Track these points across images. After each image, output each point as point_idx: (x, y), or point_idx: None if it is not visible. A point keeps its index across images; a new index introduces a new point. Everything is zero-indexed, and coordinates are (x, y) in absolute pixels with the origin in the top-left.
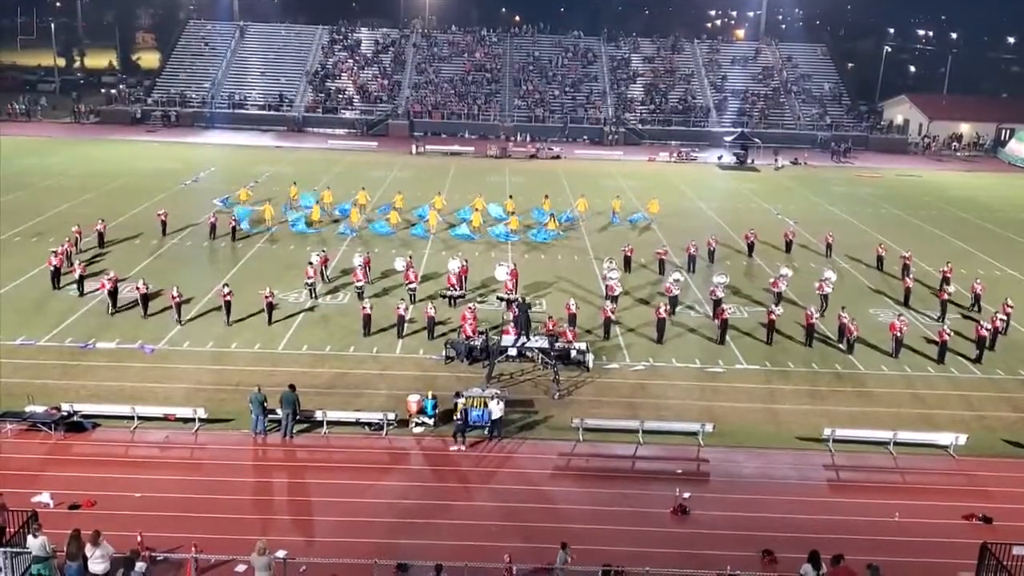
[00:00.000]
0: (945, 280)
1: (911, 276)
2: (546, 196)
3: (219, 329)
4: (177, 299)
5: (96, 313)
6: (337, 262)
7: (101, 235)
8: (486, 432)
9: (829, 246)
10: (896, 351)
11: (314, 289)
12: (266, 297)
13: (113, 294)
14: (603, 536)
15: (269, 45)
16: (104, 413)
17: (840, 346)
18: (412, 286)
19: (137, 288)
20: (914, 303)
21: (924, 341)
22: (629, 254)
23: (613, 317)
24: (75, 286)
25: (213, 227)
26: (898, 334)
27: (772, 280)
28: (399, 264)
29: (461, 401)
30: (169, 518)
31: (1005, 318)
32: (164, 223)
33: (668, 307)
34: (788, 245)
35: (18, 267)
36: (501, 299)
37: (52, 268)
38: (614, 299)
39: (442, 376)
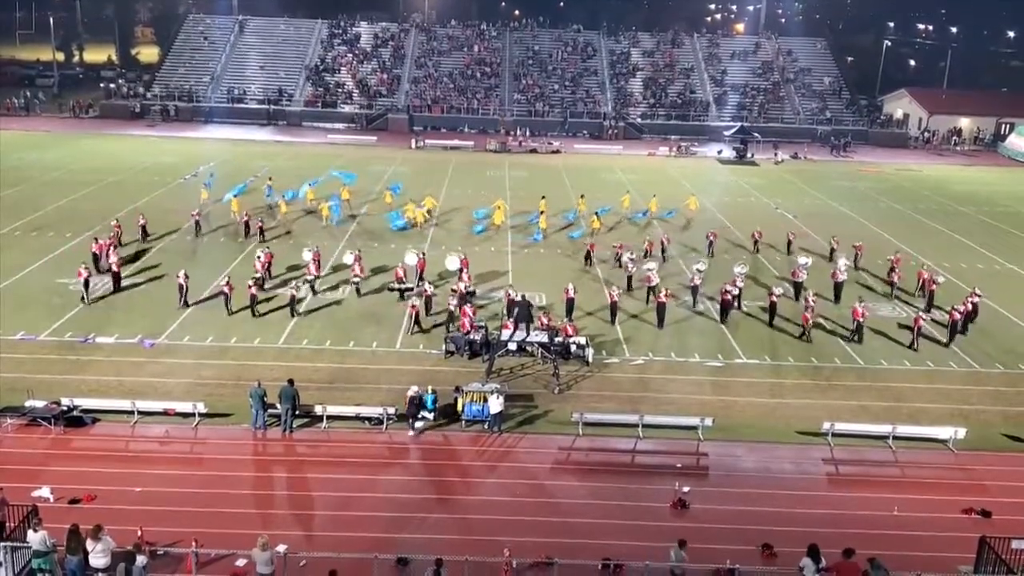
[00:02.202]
0: (892, 269)
1: (897, 273)
2: (582, 196)
3: (219, 324)
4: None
5: (95, 308)
6: (330, 257)
7: (144, 228)
8: (432, 417)
9: (789, 243)
10: (858, 336)
11: (263, 283)
12: (291, 291)
13: (87, 283)
14: (602, 530)
15: (268, 39)
16: (104, 408)
17: (845, 337)
18: (356, 279)
19: (177, 277)
20: (898, 293)
21: (898, 327)
22: (591, 250)
23: (618, 302)
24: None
25: (247, 225)
26: (860, 319)
27: (792, 270)
28: (348, 258)
29: (413, 391)
30: (169, 513)
31: (975, 302)
32: (198, 223)
33: (668, 291)
34: (755, 244)
35: (18, 261)
36: (456, 292)
37: (93, 253)
38: (651, 289)
39: (442, 371)
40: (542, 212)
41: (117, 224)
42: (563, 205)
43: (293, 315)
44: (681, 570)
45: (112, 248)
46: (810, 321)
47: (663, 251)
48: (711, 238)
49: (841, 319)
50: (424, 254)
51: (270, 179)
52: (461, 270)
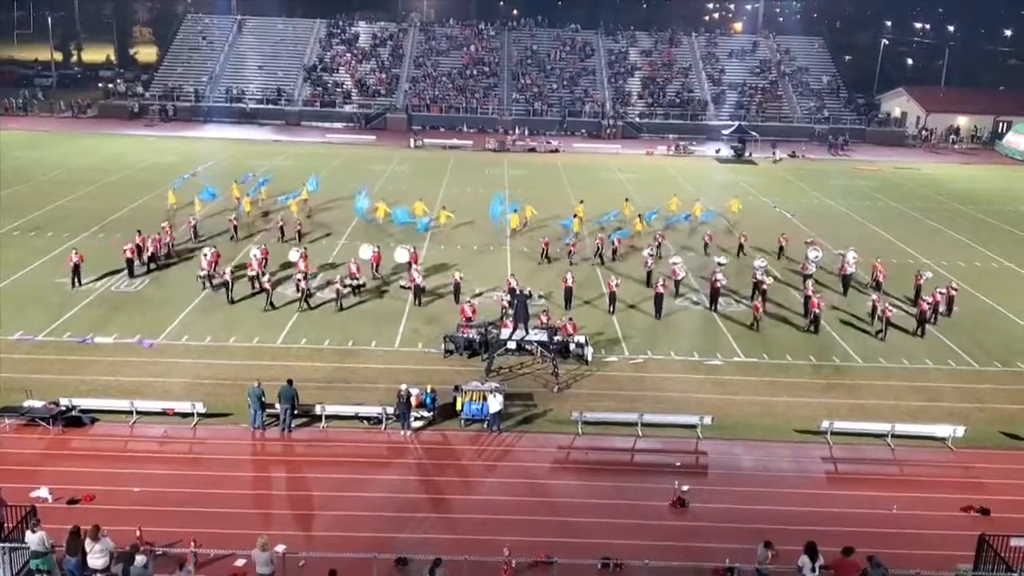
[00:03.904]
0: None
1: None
2: (626, 199)
3: (217, 323)
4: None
5: (94, 307)
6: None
7: (195, 229)
8: (425, 417)
9: (741, 246)
10: (815, 327)
11: (207, 282)
12: (334, 285)
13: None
14: (602, 529)
15: (267, 39)
16: (103, 408)
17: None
18: (300, 275)
19: (222, 274)
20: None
21: (868, 318)
22: (545, 247)
23: (617, 292)
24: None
25: (282, 230)
26: (816, 311)
27: (802, 264)
28: (293, 255)
29: (402, 388)
30: (168, 513)
31: (944, 292)
32: (235, 227)
33: (665, 283)
34: (705, 247)
35: (17, 261)
36: (404, 288)
37: (136, 245)
38: (677, 283)
39: (441, 370)
40: (576, 216)
41: (168, 226)
42: (561, 211)
43: (341, 309)
44: (767, 569)
45: (157, 244)
46: (760, 310)
47: (614, 252)
48: (659, 240)
49: (848, 311)
50: (379, 248)
51: (235, 181)
52: (411, 264)
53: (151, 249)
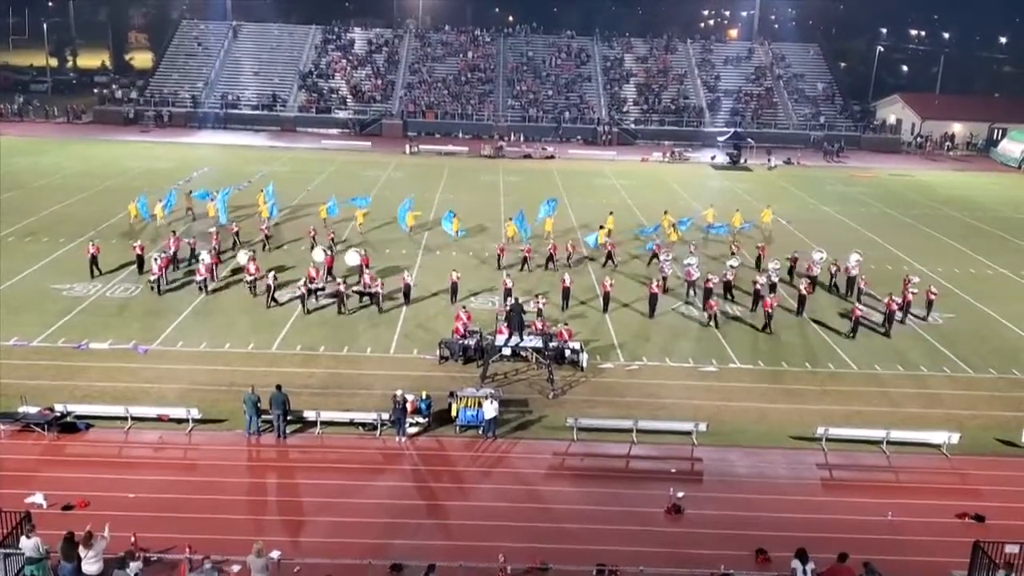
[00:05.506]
0: (792, 268)
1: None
2: (665, 212)
3: (213, 328)
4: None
5: (89, 313)
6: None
7: (237, 235)
8: (421, 423)
9: (691, 254)
10: (767, 326)
11: (159, 285)
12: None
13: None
14: (597, 535)
15: (262, 45)
16: (97, 414)
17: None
18: (250, 278)
19: (265, 277)
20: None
21: (839, 317)
22: (500, 253)
23: (612, 292)
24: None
25: (314, 238)
26: (769, 311)
27: (807, 265)
28: (242, 258)
29: (397, 394)
30: (163, 519)
31: (917, 293)
32: (268, 237)
33: (660, 283)
34: (653, 257)
35: (12, 267)
36: (360, 293)
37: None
38: (691, 284)
39: (436, 376)
40: (602, 227)
41: (215, 231)
42: (560, 217)
43: (382, 310)
44: None
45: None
46: (715, 308)
47: (569, 258)
48: (610, 248)
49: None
50: (331, 250)
51: (188, 194)
52: (362, 268)
53: (173, 249)
